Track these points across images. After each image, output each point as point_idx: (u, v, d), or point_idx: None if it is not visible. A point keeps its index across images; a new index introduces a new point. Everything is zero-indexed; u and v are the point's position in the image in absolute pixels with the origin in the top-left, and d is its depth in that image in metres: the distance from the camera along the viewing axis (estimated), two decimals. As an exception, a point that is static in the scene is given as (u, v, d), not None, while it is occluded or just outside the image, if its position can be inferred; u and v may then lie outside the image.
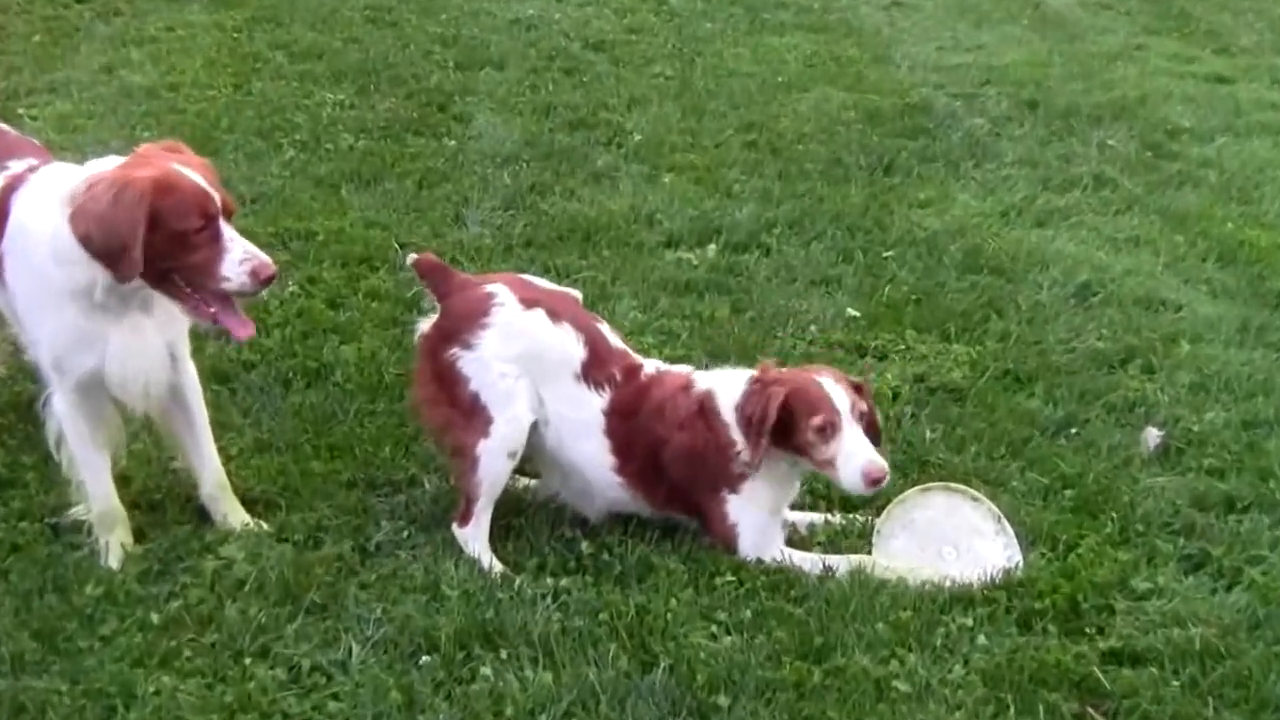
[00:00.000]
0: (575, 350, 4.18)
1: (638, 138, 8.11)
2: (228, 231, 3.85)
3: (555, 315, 4.17)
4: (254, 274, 3.85)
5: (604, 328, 4.31)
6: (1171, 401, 5.23)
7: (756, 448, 4.06)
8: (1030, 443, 4.90)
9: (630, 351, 4.36)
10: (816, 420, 4.03)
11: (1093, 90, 9.43)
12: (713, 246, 6.58)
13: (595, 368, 4.19)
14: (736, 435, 4.13)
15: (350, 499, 4.44)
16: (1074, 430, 5.02)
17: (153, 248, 3.71)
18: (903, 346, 5.64)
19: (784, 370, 4.25)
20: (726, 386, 4.22)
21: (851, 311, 5.92)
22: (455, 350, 4.13)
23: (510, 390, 4.10)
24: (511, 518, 4.35)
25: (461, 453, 4.15)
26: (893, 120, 8.64)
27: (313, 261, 6.16)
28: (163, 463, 4.59)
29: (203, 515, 4.35)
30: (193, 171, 3.83)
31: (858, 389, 4.16)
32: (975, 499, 4.40)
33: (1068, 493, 4.58)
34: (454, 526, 4.21)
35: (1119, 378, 5.42)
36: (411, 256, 4.43)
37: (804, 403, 4.05)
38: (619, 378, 4.22)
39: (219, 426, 4.53)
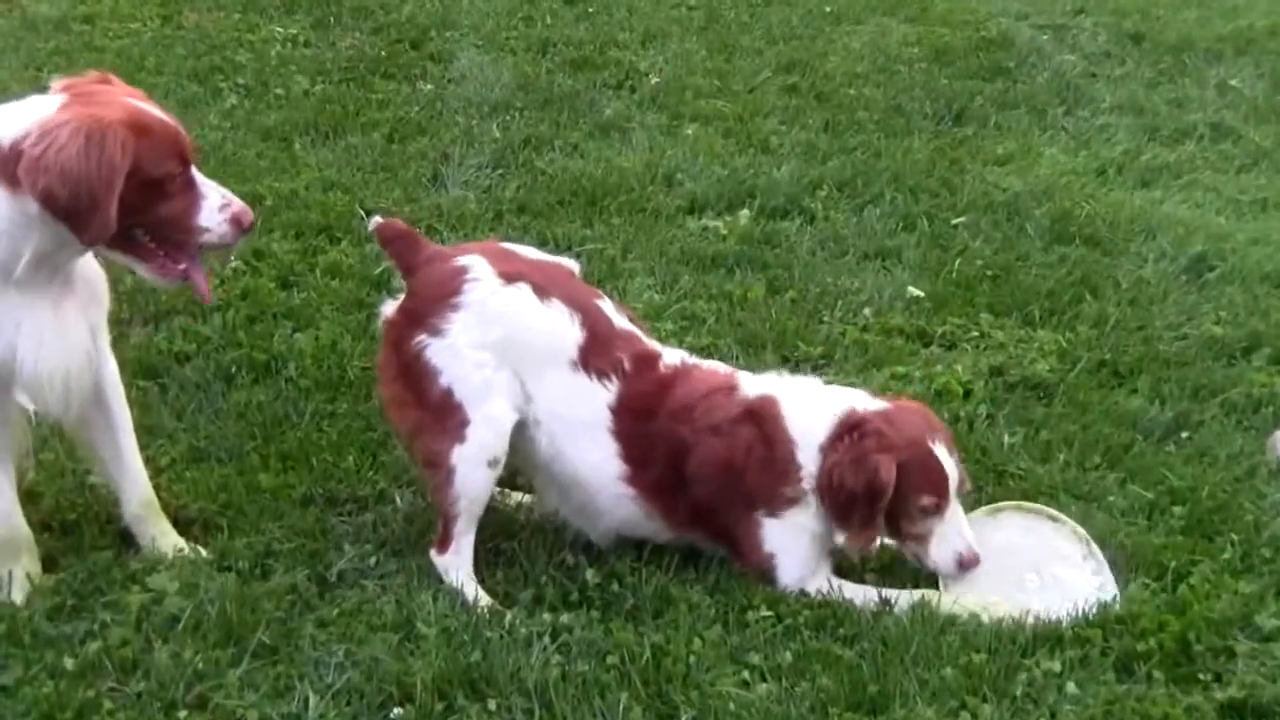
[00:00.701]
0: (570, 333, 4.17)
1: (654, 80, 8.12)
2: (199, 175, 3.93)
3: (543, 291, 4.17)
4: (235, 221, 3.94)
5: (605, 304, 4.31)
6: (1306, 400, 5.24)
7: (868, 529, 4.12)
8: (1132, 450, 4.91)
9: (641, 335, 4.35)
10: (926, 501, 4.11)
11: (1211, 19, 9.42)
12: (745, 213, 6.60)
13: (597, 353, 4.19)
14: (804, 458, 4.15)
15: (306, 518, 4.46)
16: (1185, 434, 5.03)
17: (122, 201, 3.74)
18: (976, 333, 5.66)
19: (879, 417, 4.17)
20: (799, 401, 4.23)
21: (914, 291, 5.94)
22: (422, 337, 4.14)
23: (488, 383, 4.11)
24: (501, 540, 4.37)
25: (434, 462, 4.17)
26: (965, 58, 8.64)
27: (260, 231, 6.16)
28: (78, 476, 4.61)
29: (127, 539, 4.36)
30: (153, 107, 3.88)
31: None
32: (1055, 519, 4.41)
33: (1177, 510, 4.58)
34: (432, 553, 4.23)
35: (1241, 370, 5.42)
36: (375, 220, 4.43)
37: (917, 477, 4.10)
38: (629, 366, 4.22)
39: (146, 432, 4.56)
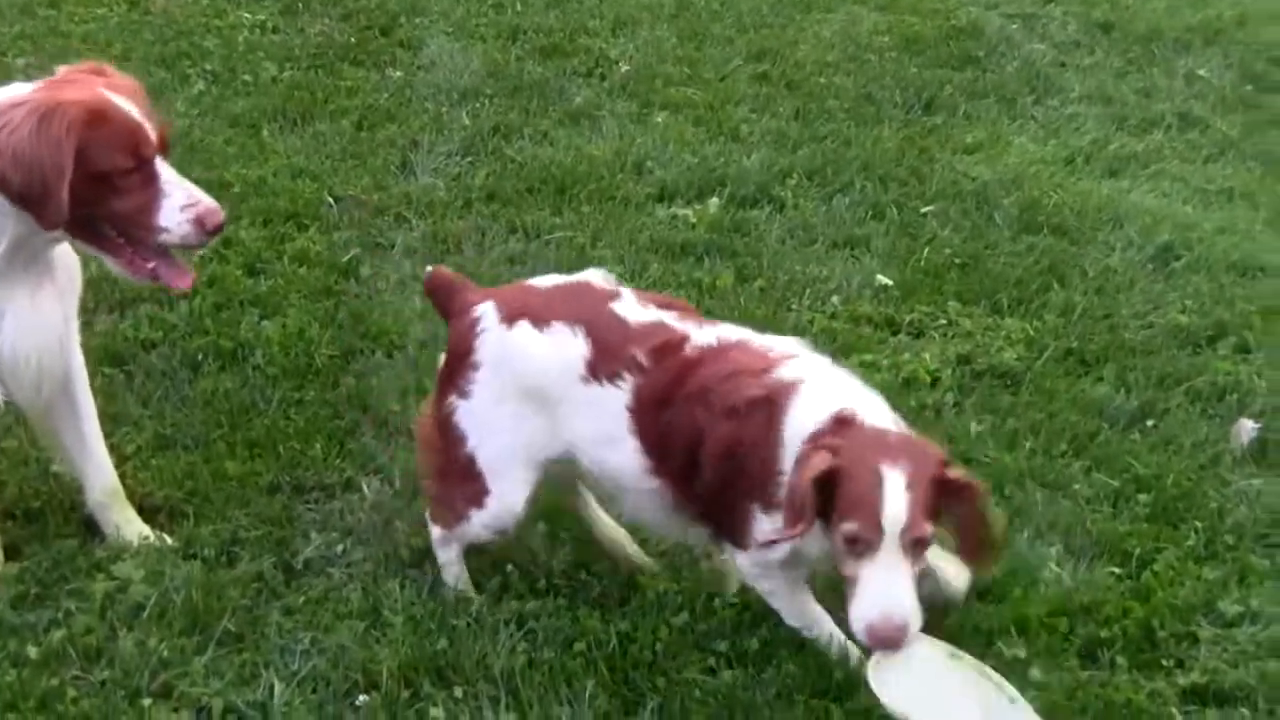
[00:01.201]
0: (573, 349, 3.97)
1: (624, 68, 8.12)
2: (165, 172, 3.89)
3: (541, 319, 4.00)
4: (199, 223, 3.91)
5: (622, 304, 4.06)
6: (1270, 388, 5.26)
7: (794, 523, 3.60)
8: (1098, 437, 4.93)
9: (671, 321, 4.02)
10: (848, 527, 3.53)
11: (1179, 9, 9.46)
12: (714, 201, 6.61)
13: (604, 360, 3.96)
14: (788, 463, 3.75)
15: (272, 506, 4.46)
16: (1150, 422, 5.06)
17: (73, 191, 3.71)
18: (944, 321, 5.68)
19: (855, 428, 3.66)
20: (812, 396, 3.79)
21: (882, 279, 5.96)
22: (453, 399, 4.07)
23: (509, 451, 4.03)
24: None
25: (449, 508, 4.13)
26: (935, 47, 8.66)
27: (228, 219, 6.14)
28: (41, 464, 4.60)
29: (91, 527, 4.35)
30: (125, 100, 3.83)
31: (960, 490, 3.59)
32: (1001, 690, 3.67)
33: (1142, 498, 4.62)
34: (428, 519, 4.19)
35: (1206, 359, 5.46)
36: (427, 270, 4.37)
37: (846, 493, 3.54)
38: (645, 360, 3.95)
39: (111, 419, 4.55)
